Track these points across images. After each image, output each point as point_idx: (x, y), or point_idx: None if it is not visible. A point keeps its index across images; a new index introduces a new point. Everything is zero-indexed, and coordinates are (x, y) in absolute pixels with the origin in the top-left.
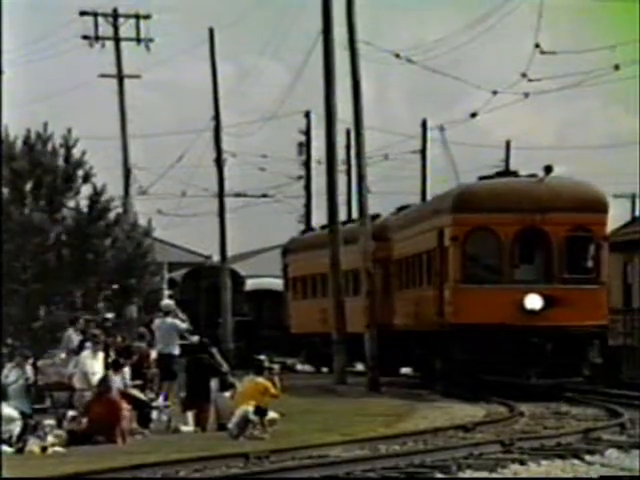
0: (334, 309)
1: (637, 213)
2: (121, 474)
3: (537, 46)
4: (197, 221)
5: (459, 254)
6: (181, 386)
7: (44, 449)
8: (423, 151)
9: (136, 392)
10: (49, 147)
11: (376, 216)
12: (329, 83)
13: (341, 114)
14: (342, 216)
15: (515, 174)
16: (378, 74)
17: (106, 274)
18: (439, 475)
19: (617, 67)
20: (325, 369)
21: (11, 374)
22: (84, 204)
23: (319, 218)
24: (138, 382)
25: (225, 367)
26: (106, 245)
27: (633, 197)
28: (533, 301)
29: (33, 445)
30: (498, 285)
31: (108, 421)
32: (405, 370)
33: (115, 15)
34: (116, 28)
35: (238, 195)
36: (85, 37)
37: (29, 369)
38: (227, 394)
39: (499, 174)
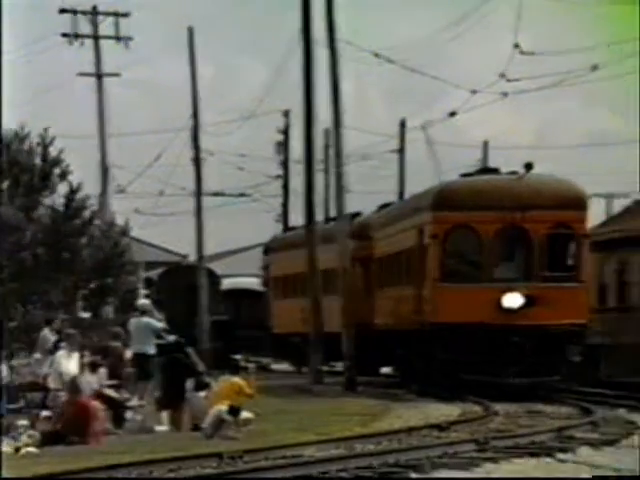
0: (311, 308)
1: (613, 213)
2: (96, 474)
3: (516, 46)
4: (175, 220)
5: (439, 252)
6: (156, 386)
7: (17, 449)
8: (401, 150)
9: (111, 392)
10: (26, 146)
11: (357, 214)
12: (308, 82)
13: (320, 113)
14: (320, 216)
15: (496, 171)
16: (358, 73)
17: (83, 273)
18: (413, 474)
19: (595, 67)
20: (306, 369)
21: None
22: (60, 202)
23: (297, 217)
24: (113, 382)
25: (201, 367)
26: (82, 243)
27: (609, 197)
28: (513, 300)
29: (6, 445)
30: (478, 284)
31: (80, 422)
32: (386, 370)
33: (94, 13)
34: (95, 26)
35: (216, 194)
36: (64, 35)
37: (4, 369)
38: (202, 394)
39: (480, 171)
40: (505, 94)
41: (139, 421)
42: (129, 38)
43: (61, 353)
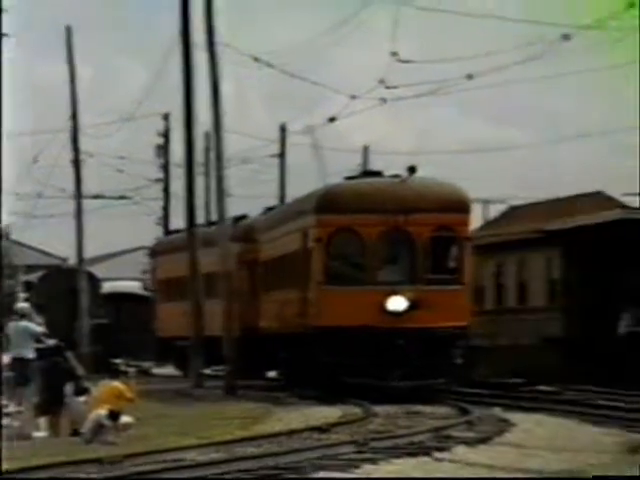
0: (192, 312)
1: (489, 217)
2: None
3: (394, 54)
4: (54, 222)
5: (323, 255)
6: (34, 391)
7: None
8: (282, 155)
9: None
10: None
11: (243, 217)
12: (188, 85)
13: (200, 116)
14: (201, 219)
15: (379, 174)
16: (238, 77)
17: None
18: (292, 476)
19: (470, 77)
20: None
21: None
22: None
23: (178, 221)
24: None
25: (80, 371)
26: None
27: (485, 202)
28: (396, 302)
29: None
30: (361, 287)
31: None
32: (272, 374)
33: None
34: None
35: (96, 197)
36: None
37: None
38: (82, 399)
39: (364, 174)
40: (384, 100)
41: (16, 427)
42: (4, 35)
43: None
